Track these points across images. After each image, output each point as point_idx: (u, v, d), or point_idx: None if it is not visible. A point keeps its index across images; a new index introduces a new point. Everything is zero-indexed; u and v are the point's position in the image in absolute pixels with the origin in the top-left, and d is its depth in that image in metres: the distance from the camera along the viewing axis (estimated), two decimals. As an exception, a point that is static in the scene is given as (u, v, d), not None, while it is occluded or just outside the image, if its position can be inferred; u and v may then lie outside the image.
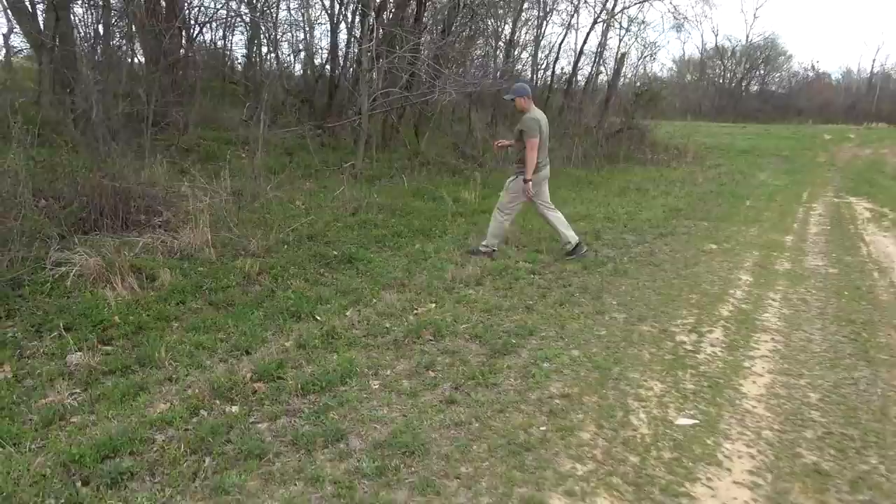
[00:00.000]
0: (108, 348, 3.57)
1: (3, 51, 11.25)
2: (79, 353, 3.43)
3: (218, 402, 2.96)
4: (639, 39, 25.38)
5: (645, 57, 24.67)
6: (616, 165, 15.15)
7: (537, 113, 5.74)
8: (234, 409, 2.90)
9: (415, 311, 4.32)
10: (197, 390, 3.03)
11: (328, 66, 14.37)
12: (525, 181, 5.66)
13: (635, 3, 18.23)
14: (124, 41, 10.76)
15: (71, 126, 8.62)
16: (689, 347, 3.91)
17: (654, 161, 17.61)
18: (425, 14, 12.65)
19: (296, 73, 17.53)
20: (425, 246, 6.11)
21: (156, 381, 3.17)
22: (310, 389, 3.10)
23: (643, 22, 19.09)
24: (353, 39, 12.98)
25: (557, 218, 6.04)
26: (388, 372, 3.37)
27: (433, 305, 4.46)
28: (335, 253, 5.67)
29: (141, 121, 8.76)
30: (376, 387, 3.18)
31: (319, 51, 16.10)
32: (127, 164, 6.72)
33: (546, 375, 3.37)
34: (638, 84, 23.17)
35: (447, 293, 4.75)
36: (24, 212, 4.83)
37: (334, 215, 6.97)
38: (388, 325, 4.03)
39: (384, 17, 10.13)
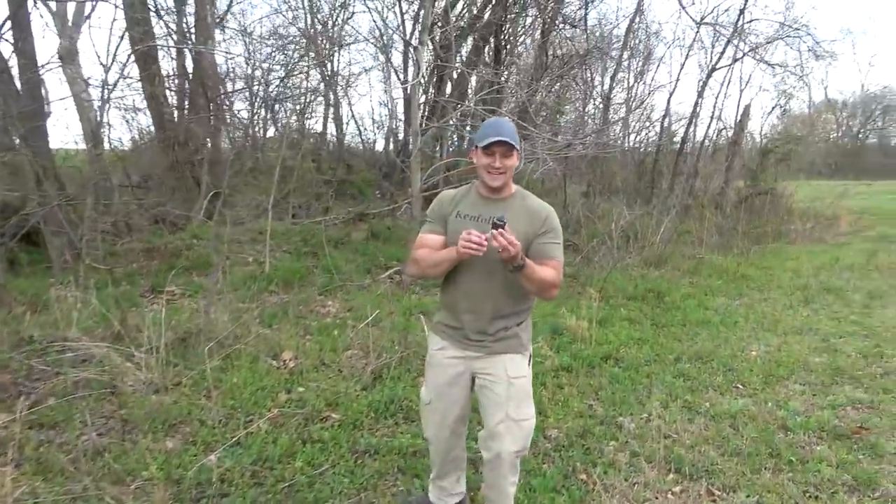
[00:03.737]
0: None
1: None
2: None
3: None
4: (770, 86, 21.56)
5: (775, 108, 20.73)
6: (765, 245, 11.31)
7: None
8: None
9: None
10: None
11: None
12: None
13: (767, 42, 14.58)
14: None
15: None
16: None
17: (803, 235, 13.61)
18: (506, 58, 9.73)
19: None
20: None
21: None
22: None
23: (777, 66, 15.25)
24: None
25: None
26: None
27: None
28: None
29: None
30: None
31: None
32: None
33: None
34: (765, 141, 19.22)
35: None
36: None
37: (334, 390, 3.77)
38: None
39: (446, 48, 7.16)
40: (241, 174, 8.59)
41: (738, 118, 16.76)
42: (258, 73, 11.18)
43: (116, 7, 6.24)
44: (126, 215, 6.91)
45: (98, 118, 6.90)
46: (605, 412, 3.65)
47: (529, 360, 2.35)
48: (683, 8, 14.05)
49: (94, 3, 5.63)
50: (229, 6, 11.32)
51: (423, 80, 10.12)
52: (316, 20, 11.71)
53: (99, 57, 6.92)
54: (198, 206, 7.84)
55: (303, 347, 4.46)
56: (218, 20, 10.71)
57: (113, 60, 5.02)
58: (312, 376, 3.99)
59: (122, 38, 6.96)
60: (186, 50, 8.77)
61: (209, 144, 8.04)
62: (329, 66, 12.11)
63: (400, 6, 10.18)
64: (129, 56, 4.78)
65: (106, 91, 5.57)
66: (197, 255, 6.88)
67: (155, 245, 7.08)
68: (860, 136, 50.27)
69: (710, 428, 3.44)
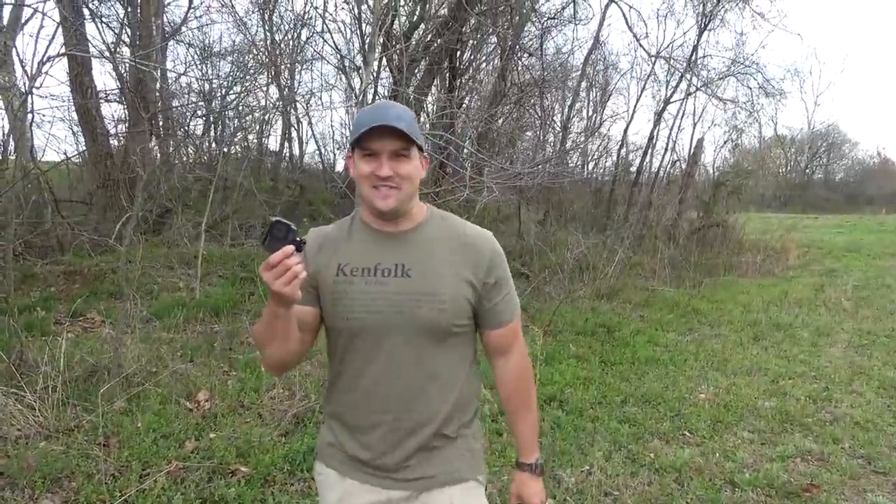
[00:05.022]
0: None
1: None
2: None
3: None
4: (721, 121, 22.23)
5: (727, 142, 21.21)
6: (716, 277, 11.33)
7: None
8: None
9: None
10: None
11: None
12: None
13: (719, 78, 14.90)
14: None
15: None
16: None
17: (754, 267, 13.73)
18: (468, 83, 9.60)
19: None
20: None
21: None
22: None
23: (729, 101, 15.54)
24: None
25: None
26: None
27: None
28: None
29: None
30: None
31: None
32: None
33: None
34: (716, 173, 19.65)
35: None
36: None
37: (248, 437, 3.40)
38: None
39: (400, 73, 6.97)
40: (179, 192, 8.16)
41: (692, 150, 17.05)
42: (209, 87, 10.84)
43: (43, 15, 5.78)
44: (44, 234, 6.41)
45: (21, 125, 6.42)
46: (543, 463, 3.38)
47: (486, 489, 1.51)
48: (638, 41, 14.25)
49: (22, 4, 5.22)
50: (184, 19, 10.95)
51: (378, 99, 9.90)
52: (275, 38, 11.44)
53: (23, 64, 6.40)
54: (129, 228, 7.36)
55: (222, 386, 4.08)
56: (168, 33, 10.33)
57: (40, 66, 4.63)
58: (227, 420, 3.62)
59: (49, 44, 6.53)
60: (132, 63, 8.37)
61: (146, 161, 7.60)
62: (287, 82, 11.83)
63: (360, 28, 10.01)
64: (46, 61, 4.37)
65: (24, 99, 5.13)
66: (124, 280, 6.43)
67: (78, 267, 6.61)
68: (807, 171, 52.22)
69: (653, 483, 3.21)
